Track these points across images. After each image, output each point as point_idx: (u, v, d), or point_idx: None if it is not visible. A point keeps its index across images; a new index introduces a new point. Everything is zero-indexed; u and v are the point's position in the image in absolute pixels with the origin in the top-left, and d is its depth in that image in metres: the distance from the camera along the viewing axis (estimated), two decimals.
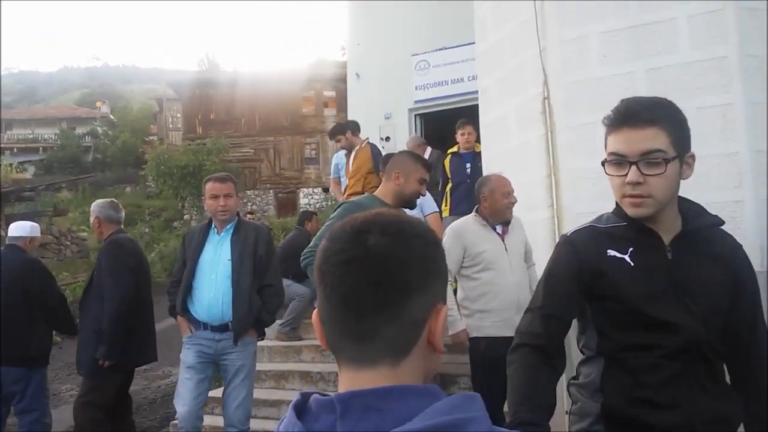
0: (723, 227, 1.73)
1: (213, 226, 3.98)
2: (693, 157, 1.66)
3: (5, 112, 47.52)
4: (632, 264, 1.64)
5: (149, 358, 4.36)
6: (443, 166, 6.31)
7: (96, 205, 4.35)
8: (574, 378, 1.80)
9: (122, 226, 4.44)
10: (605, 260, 1.66)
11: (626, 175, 1.58)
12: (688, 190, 1.72)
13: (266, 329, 6.70)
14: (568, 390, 1.75)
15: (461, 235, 3.84)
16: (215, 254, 3.88)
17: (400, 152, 3.79)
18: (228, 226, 3.95)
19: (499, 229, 3.85)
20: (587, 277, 1.68)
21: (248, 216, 17.37)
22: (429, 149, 7.12)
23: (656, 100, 1.63)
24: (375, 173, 5.65)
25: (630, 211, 1.63)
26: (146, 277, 4.36)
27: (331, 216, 3.37)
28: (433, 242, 0.85)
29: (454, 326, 3.81)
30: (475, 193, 3.91)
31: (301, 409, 0.81)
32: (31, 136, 42.18)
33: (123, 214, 4.47)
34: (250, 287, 3.82)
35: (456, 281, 3.96)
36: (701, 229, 1.68)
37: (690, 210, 1.70)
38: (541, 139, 4.09)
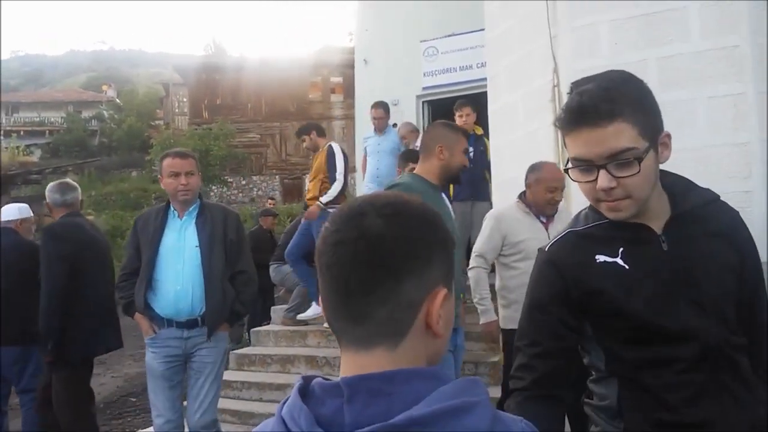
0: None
1: (172, 209, 3.52)
2: (669, 135, 1.44)
3: (12, 95, 47.56)
4: (626, 267, 1.43)
5: (105, 347, 4.12)
6: None
7: (46, 189, 4.21)
8: (587, 396, 1.59)
9: (81, 208, 4.30)
10: (595, 271, 1.44)
11: (596, 180, 1.37)
12: (698, 180, 1.63)
13: (272, 314, 6.83)
14: (583, 409, 1.59)
15: (501, 221, 3.71)
16: (179, 241, 3.43)
17: (436, 124, 3.43)
18: (191, 209, 3.51)
19: (543, 217, 3.69)
20: (577, 297, 1.46)
21: (269, 202, 17.34)
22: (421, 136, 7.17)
23: (609, 83, 1.39)
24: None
25: (610, 215, 1.43)
26: (89, 262, 3.98)
27: None
28: (431, 224, 0.84)
29: (485, 316, 3.72)
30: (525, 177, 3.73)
31: (304, 393, 0.81)
32: (38, 119, 42.22)
33: (74, 195, 4.17)
34: (222, 276, 3.45)
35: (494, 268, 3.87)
36: (694, 208, 1.48)
37: (676, 188, 1.50)
38: (550, 127, 4.08)
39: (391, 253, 0.79)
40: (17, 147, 28.40)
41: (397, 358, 0.80)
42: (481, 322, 3.69)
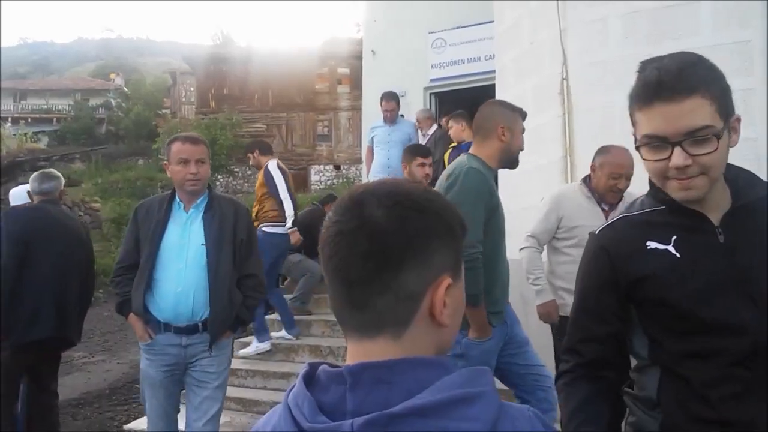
0: None
1: (178, 200, 3.17)
2: (738, 119, 1.37)
3: (20, 82, 47.67)
4: (678, 255, 1.37)
5: (41, 337, 3.80)
6: (443, 161, 6.09)
7: (30, 178, 4.25)
8: (628, 386, 1.56)
9: (62, 196, 4.33)
10: (645, 257, 1.40)
11: (669, 158, 1.30)
12: None
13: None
14: (623, 397, 1.56)
15: (559, 203, 3.49)
16: (183, 237, 3.09)
17: (493, 103, 3.07)
18: (198, 201, 3.17)
19: (606, 205, 3.40)
20: (626, 284, 1.42)
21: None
22: (435, 126, 7.15)
23: (687, 58, 1.35)
24: (271, 196, 5.74)
25: (678, 195, 1.36)
26: (38, 248, 3.84)
27: (454, 180, 2.77)
28: (434, 213, 0.82)
29: (541, 296, 3.51)
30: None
31: (310, 379, 0.82)
32: (45, 106, 42.31)
33: (52, 184, 4.16)
34: (230, 279, 3.12)
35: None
36: (756, 201, 1.40)
37: (739, 180, 1.43)
38: (558, 120, 4.07)
39: (390, 244, 0.78)
40: (25, 134, 28.44)
41: (402, 347, 0.79)
42: (537, 303, 3.48)
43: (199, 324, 3.06)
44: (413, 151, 4.67)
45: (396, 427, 0.70)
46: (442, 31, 9.32)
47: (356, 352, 0.82)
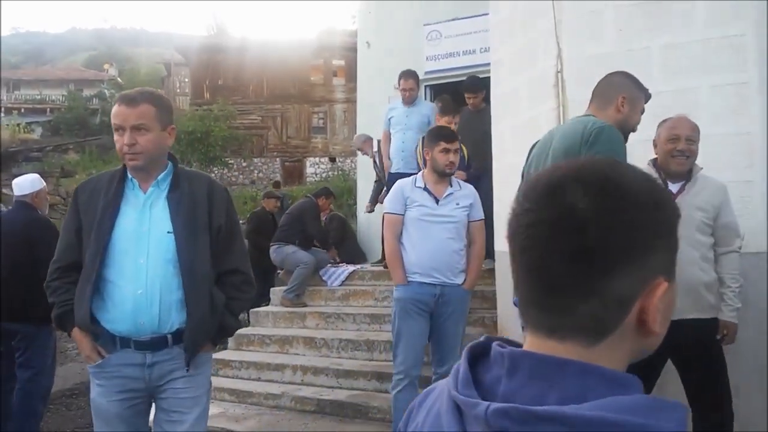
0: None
1: (130, 177, 2.42)
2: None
3: (13, 72, 47.32)
4: None
5: None
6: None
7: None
8: None
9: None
10: None
11: None
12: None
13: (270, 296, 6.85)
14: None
15: None
16: (141, 223, 2.37)
17: (619, 73, 2.79)
18: (160, 177, 2.42)
19: (675, 186, 3.00)
20: None
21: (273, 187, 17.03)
22: (375, 142, 7.12)
23: None
24: None
25: None
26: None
27: (596, 135, 2.44)
28: (653, 203, 0.69)
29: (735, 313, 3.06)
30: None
31: (483, 351, 0.75)
32: (39, 96, 42.03)
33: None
34: (208, 276, 2.42)
35: None
36: None
37: None
38: (552, 113, 4.08)
39: (598, 242, 0.65)
40: (18, 124, 28.28)
41: (592, 355, 0.68)
42: (734, 321, 2.96)
43: (169, 336, 2.35)
44: (436, 134, 3.89)
45: (531, 427, 0.62)
46: (437, 23, 9.28)
47: (535, 347, 0.72)
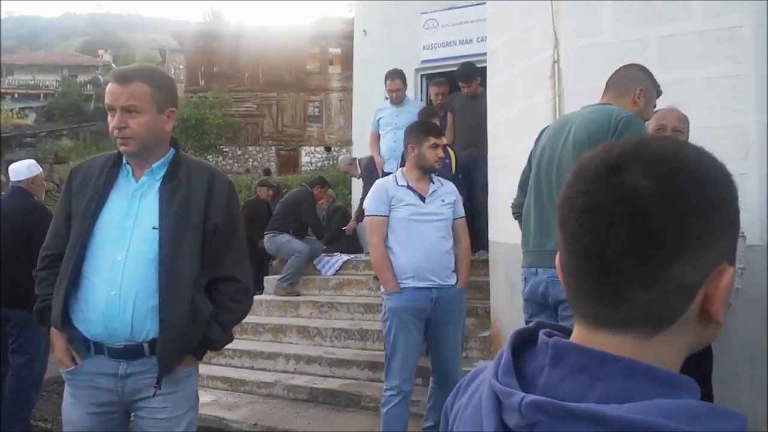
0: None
1: (125, 162, 2.20)
2: None
3: (7, 56, 46.98)
4: None
5: None
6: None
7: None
8: None
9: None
10: None
11: None
12: None
13: (264, 284, 6.85)
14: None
15: None
16: (128, 215, 2.12)
17: (636, 66, 2.81)
18: (155, 165, 2.18)
19: None
20: None
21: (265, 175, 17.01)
22: (358, 162, 7.20)
23: None
24: None
25: None
26: None
27: (626, 123, 2.45)
28: (716, 185, 0.66)
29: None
30: None
31: (526, 340, 0.72)
32: (33, 82, 41.77)
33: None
34: (194, 280, 2.13)
35: None
36: None
37: None
38: (548, 102, 4.06)
39: (661, 227, 0.62)
40: (11, 109, 28.12)
41: (646, 348, 0.64)
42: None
43: (145, 345, 2.09)
44: (424, 129, 3.68)
45: (566, 426, 0.59)
46: (434, 11, 9.23)
47: (583, 338, 0.68)
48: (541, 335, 0.69)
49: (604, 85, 2.82)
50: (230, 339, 2.30)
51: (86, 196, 2.15)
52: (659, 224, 0.62)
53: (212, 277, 2.21)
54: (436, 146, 3.55)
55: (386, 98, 6.41)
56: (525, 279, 2.81)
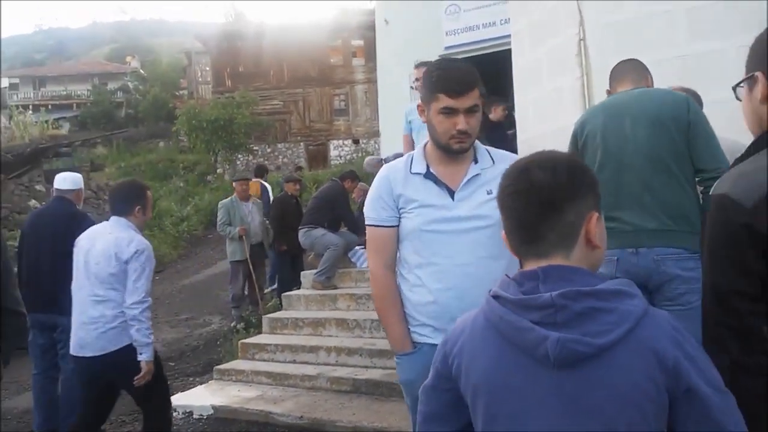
0: None
1: None
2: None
3: (38, 69, 48.03)
4: None
5: None
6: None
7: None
8: None
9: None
10: None
11: None
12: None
13: (302, 279, 6.92)
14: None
15: None
16: None
17: (633, 60, 2.83)
18: None
19: None
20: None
21: (298, 172, 16.92)
22: (384, 162, 6.98)
23: None
24: None
25: None
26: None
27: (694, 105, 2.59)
28: (579, 170, 1.16)
29: None
30: None
31: (507, 287, 1.15)
32: (64, 92, 42.65)
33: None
34: None
35: None
36: None
37: None
38: (576, 81, 4.02)
39: (554, 195, 1.11)
40: (46, 121, 28.75)
41: (570, 263, 1.12)
42: None
43: None
44: (436, 81, 2.09)
45: (582, 302, 1.05)
46: None
47: (537, 267, 1.13)
48: (518, 275, 1.15)
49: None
50: None
51: None
52: (553, 194, 1.11)
53: None
54: (451, 112, 2.04)
55: (411, 87, 6.30)
56: (618, 260, 2.57)
